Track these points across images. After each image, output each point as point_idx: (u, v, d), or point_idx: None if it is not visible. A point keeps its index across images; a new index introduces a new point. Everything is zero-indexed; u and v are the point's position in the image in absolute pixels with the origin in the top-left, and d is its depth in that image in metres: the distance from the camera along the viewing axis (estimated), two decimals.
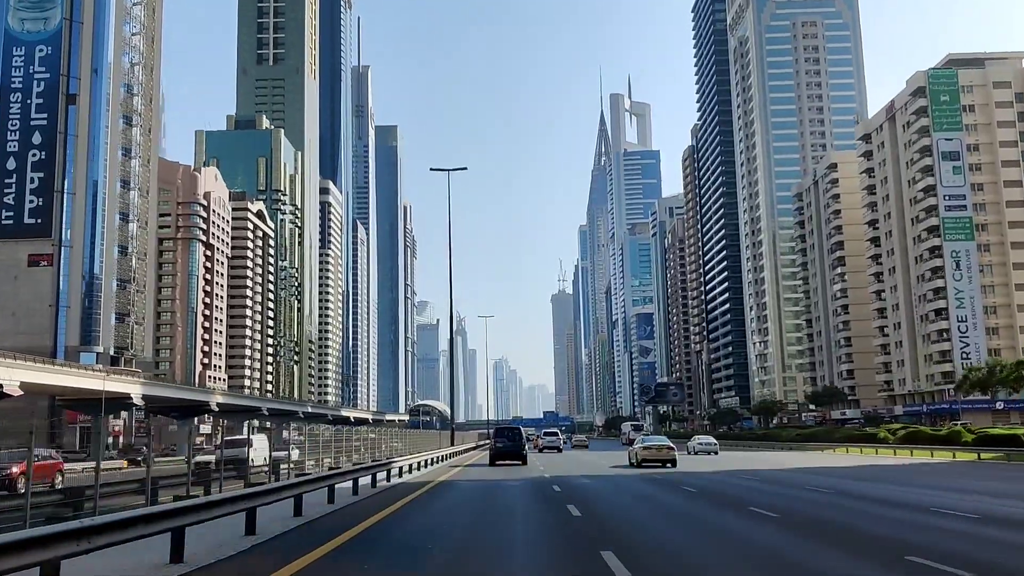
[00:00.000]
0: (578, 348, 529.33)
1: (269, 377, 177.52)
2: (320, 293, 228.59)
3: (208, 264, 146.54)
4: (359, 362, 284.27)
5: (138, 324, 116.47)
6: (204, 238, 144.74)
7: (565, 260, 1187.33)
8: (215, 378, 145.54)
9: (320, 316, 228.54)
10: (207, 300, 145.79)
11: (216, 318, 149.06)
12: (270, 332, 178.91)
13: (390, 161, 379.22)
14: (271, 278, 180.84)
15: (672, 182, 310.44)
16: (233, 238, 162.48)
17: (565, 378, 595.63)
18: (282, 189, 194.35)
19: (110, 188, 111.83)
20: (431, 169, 61.75)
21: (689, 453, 52.17)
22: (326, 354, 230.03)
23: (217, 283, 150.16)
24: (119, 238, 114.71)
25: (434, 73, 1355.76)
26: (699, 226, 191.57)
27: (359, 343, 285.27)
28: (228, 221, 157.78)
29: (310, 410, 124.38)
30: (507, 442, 39.39)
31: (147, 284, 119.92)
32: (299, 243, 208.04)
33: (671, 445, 35.71)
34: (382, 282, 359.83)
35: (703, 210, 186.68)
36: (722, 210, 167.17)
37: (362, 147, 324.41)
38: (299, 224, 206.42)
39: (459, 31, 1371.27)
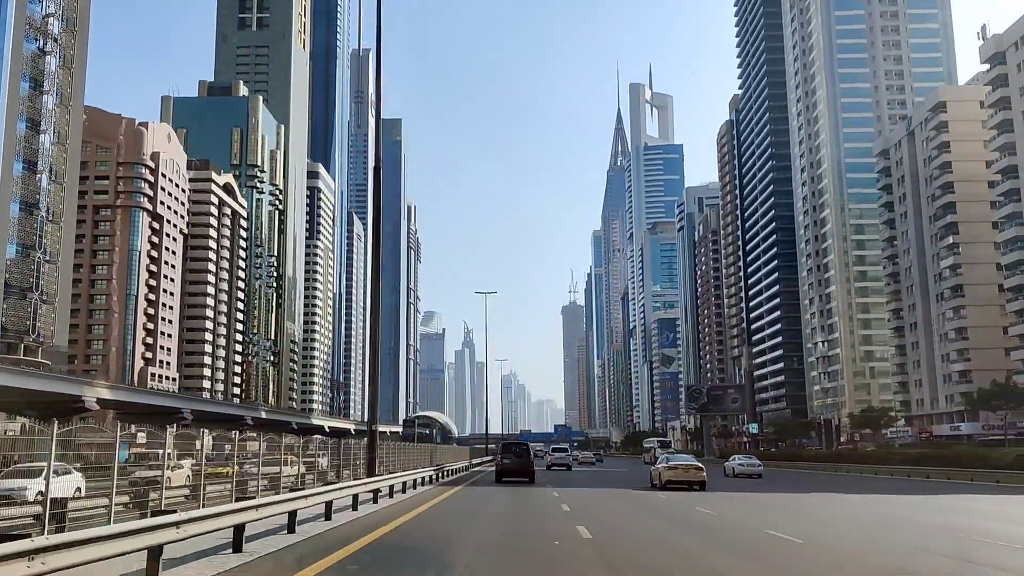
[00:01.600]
0: (590, 360, 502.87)
1: (237, 380, 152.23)
2: (307, 289, 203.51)
3: (155, 239, 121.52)
4: (352, 368, 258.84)
5: (46, 302, 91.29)
6: (150, 207, 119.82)
7: (576, 270, 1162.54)
8: (161, 376, 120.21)
9: (306, 315, 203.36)
10: (153, 282, 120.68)
11: (165, 304, 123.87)
12: (239, 327, 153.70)
13: (393, 156, 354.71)
14: (242, 264, 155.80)
15: (696, 179, 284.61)
16: (193, 213, 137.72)
17: (575, 392, 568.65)
18: (259, 165, 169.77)
19: (7, 126, 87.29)
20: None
21: (727, 475, 46.71)
22: (312, 357, 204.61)
23: (168, 263, 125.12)
24: (21, 192, 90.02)
25: (438, 72, 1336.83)
26: (738, 212, 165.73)
27: (353, 348, 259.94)
28: (185, 191, 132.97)
29: (263, 416, 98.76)
30: (514, 458, 36.37)
31: (62, 254, 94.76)
32: (281, 230, 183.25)
33: (700, 465, 31.96)
34: (383, 285, 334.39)
35: (744, 193, 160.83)
36: (771, 187, 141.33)
37: (362, 137, 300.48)
38: (280, 207, 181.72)
39: (467, 27, 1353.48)
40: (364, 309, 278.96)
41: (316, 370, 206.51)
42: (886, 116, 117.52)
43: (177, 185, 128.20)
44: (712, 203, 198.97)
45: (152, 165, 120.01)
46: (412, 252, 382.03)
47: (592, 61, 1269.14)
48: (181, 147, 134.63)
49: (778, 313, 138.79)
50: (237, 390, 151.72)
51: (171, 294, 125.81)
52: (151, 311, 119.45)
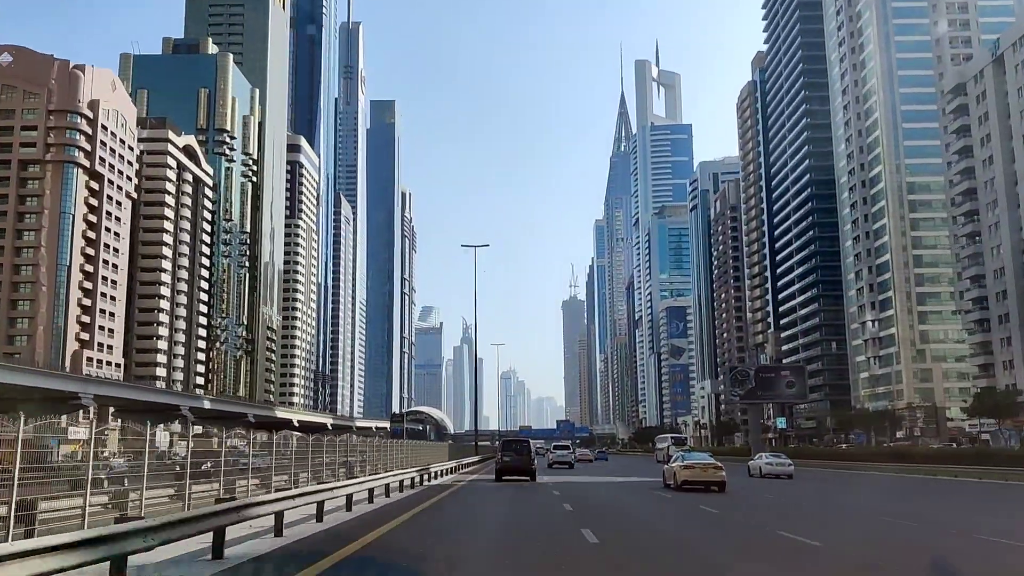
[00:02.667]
0: (592, 355, 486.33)
1: (200, 368, 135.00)
2: (287, 272, 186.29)
3: (95, 202, 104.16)
4: (340, 360, 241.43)
5: None
6: (87, 163, 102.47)
7: (577, 264, 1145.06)
8: (101, 361, 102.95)
9: (286, 300, 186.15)
10: (91, 251, 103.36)
11: (106, 278, 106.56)
12: (203, 309, 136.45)
13: (386, 139, 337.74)
14: (206, 239, 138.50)
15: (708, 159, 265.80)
16: (146, 177, 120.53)
17: (577, 388, 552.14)
18: (229, 130, 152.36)
19: None
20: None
21: (751, 474, 40.86)
22: (292, 347, 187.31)
23: (111, 230, 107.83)
24: None
25: (433, 60, 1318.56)
26: (763, 183, 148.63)
27: (340, 338, 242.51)
28: (134, 150, 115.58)
29: (206, 405, 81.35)
30: (514, 456, 35.02)
31: None
32: (256, 206, 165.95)
33: (718, 464, 28.01)
34: (375, 274, 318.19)
35: (771, 160, 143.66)
36: (805, 148, 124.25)
37: (351, 115, 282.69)
38: (254, 180, 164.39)
39: (462, 8, 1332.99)
40: (355, 298, 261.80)
41: (297, 360, 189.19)
42: (948, 56, 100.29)
43: (123, 141, 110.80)
44: (729, 177, 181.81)
45: (90, 115, 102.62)
46: (407, 240, 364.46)
47: (594, 42, 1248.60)
48: (129, 99, 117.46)
49: (814, 291, 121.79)
50: (201, 380, 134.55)
51: (114, 267, 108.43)
52: (88, 285, 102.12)
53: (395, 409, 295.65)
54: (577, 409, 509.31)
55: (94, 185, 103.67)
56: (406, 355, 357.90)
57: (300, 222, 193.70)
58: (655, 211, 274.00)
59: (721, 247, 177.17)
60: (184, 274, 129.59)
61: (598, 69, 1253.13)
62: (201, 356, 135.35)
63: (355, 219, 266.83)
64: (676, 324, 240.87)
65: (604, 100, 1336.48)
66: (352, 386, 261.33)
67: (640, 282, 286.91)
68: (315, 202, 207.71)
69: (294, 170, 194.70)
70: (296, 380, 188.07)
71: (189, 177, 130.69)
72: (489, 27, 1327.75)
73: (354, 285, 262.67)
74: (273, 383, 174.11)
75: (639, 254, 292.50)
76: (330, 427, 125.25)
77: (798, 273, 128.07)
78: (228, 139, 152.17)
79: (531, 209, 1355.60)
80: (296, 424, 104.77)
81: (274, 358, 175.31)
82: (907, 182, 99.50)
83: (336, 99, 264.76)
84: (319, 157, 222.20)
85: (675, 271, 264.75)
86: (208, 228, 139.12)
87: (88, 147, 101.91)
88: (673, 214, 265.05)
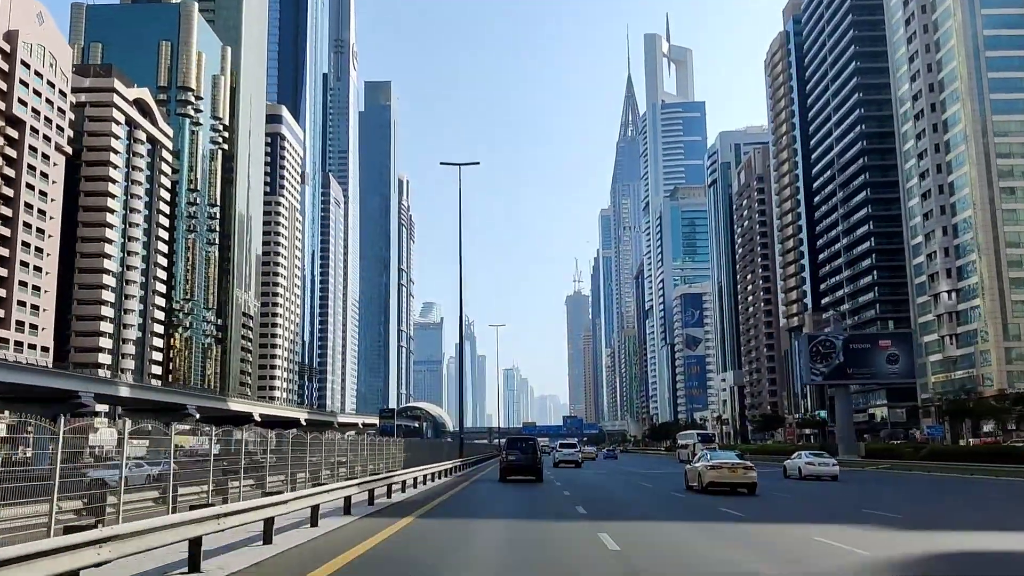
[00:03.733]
0: (597, 350, 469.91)
1: (158, 356, 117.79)
2: (266, 254, 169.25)
3: (12, 152, 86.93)
4: (330, 353, 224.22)
5: None
6: (1, 105, 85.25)
7: (581, 259, 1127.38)
8: (25, 345, 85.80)
9: (266, 285, 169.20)
10: (7, 211, 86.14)
11: (29, 245, 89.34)
12: (160, 289, 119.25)
13: (381, 121, 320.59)
14: (165, 208, 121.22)
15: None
16: (88, 132, 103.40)
17: (582, 384, 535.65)
18: (194, 88, 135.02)
19: None
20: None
21: (788, 475, 37.30)
22: (273, 335, 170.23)
23: (35, 188, 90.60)
24: None
25: (435, 47, 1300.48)
26: (798, 145, 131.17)
27: (331, 329, 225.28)
28: (67, 97, 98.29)
29: (124, 393, 63.97)
30: (520, 455, 32.79)
31: None
32: (229, 178, 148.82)
33: (749, 464, 25.43)
34: (371, 264, 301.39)
35: (809, 116, 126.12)
36: (855, 96, 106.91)
37: (343, 93, 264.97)
38: (226, 147, 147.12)
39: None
40: (346, 287, 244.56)
41: (279, 351, 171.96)
42: None
43: (52, 85, 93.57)
44: (754, 145, 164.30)
45: (6, 47, 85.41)
46: (404, 229, 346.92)
47: (601, 19, 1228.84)
48: (63, 38, 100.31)
49: (867, 262, 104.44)
50: (158, 369, 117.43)
51: (41, 232, 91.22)
52: (4, 252, 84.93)
53: (393, 405, 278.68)
54: (582, 406, 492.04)
55: (12, 132, 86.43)
56: (404, 349, 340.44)
57: (282, 199, 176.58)
58: (667, 193, 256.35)
59: (746, 222, 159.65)
60: (138, 247, 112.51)
61: (605, 51, 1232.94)
62: (159, 343, 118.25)
63: (346, 203, 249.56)
64: (691, 312, 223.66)
65: (610, 88, 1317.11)
66: (344, 381, 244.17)
67: (651, 270, 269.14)
68: (299, 179, 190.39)
69: (275, 142, 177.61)
70: (277, 372, 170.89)
71: (143, 136, 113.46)
72: (490, 17, 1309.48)
73: (345, 273, 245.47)
74: (250, 375, 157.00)
75: (649, 240, 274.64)
76: (304, 422, 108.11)
77: (845, 244, 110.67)
78: (193, 99, 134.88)
79: (535, 203, 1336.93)
80: (258, 418, 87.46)
81: (251, 347, 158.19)
82: (992, 122, 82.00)
83: (326, 74, 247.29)
84: (304, 132, 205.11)
85: (689, 257, 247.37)
86: (167, 197, 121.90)
87: (3, 85, 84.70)
88: (687, 195, 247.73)
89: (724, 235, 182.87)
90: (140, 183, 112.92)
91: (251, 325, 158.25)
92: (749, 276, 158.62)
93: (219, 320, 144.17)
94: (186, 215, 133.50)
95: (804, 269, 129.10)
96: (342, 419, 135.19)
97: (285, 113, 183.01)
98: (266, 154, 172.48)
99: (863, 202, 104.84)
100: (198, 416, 70.01)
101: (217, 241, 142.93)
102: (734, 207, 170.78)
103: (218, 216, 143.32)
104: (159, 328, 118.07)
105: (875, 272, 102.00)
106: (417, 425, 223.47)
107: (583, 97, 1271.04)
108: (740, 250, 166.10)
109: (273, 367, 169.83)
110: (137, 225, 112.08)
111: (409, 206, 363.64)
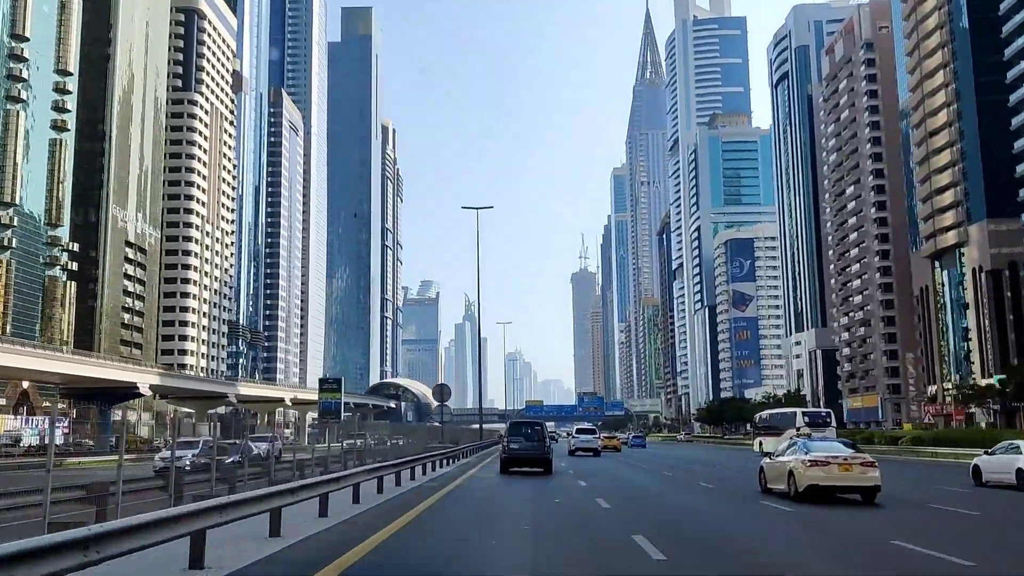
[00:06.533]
0: (608, 326, 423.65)
1: None
2: (172, 170, 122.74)
3: None
4: (282, 316, 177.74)
5: None
6: None
7: (588, 234, 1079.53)
8: None
9: (173, 211, 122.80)
10: None
11: None
12: None
13: (359, 53, 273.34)
14: None
15: (763, 70, 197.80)
16: None
17: (589, 365, 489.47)
18: None
19: None
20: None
21: (986, 480, 22.40)
22: (185, 280, 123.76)
23: None
24: None
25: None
26: None
27: (282, 286, 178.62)
28: None
29: None
30: (524, 441, 27.53)
31: None
32: (97, 36, 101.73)
33: (869, 458, 17.06)
34: (346, 217, 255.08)
35: None
36: None
37: (305, 6, 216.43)
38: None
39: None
40: (304, 231, 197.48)
41: (193, 302, 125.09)
42: None
43: None
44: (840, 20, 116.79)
45: None
46: (390, 183, 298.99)
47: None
48: None
49: None
50: None
51: None
52: None
53: (374, 383, 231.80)
54: (590, 389, 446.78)
55: None
56: (390, 321, 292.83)
57: (199, 97, 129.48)
58: (703, 121, 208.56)
59: (843, 115, 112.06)
60: None
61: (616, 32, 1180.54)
62: None
63: (308, 133, 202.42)
64: (739, 263, 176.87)
65: (625, 48, 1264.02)
66: (305, 351, 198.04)
67: (682, 218, 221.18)
68: (227, 75, 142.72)
69: (190, 21, 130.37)
70: (190, 332, 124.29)
71: None
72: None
73: (306, 218, 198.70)
74: (137, 329, 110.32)
75: (680, 184, 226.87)
76: (146, 392, 61.79)
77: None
78: None
79: (539, 170, 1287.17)
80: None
81: (141, 292, 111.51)
82: None
83: None
84: (242, 25, 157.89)
85: (732, 199, 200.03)
86: None
87: None
88: (729, 123, 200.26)
89: (799, 151, 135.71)
90: None
91: (141, 261, 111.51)
92: (848, 193, 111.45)
93: (80, 247, 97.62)
94: (8, 77, 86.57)
95: (967, 157, 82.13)
96: (245, 390, 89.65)
97: None
98: (172, 33, 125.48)
99: None
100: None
101: (70, 127, 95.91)
102: (820, 104, 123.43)
103: (72, 89, 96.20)
104: None
105: None
106: (393, 405, 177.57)
107: (590, 64, 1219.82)
108: (828, 165, 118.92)
109: (185, 322, 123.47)
110: None
111: (396, 159, 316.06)
